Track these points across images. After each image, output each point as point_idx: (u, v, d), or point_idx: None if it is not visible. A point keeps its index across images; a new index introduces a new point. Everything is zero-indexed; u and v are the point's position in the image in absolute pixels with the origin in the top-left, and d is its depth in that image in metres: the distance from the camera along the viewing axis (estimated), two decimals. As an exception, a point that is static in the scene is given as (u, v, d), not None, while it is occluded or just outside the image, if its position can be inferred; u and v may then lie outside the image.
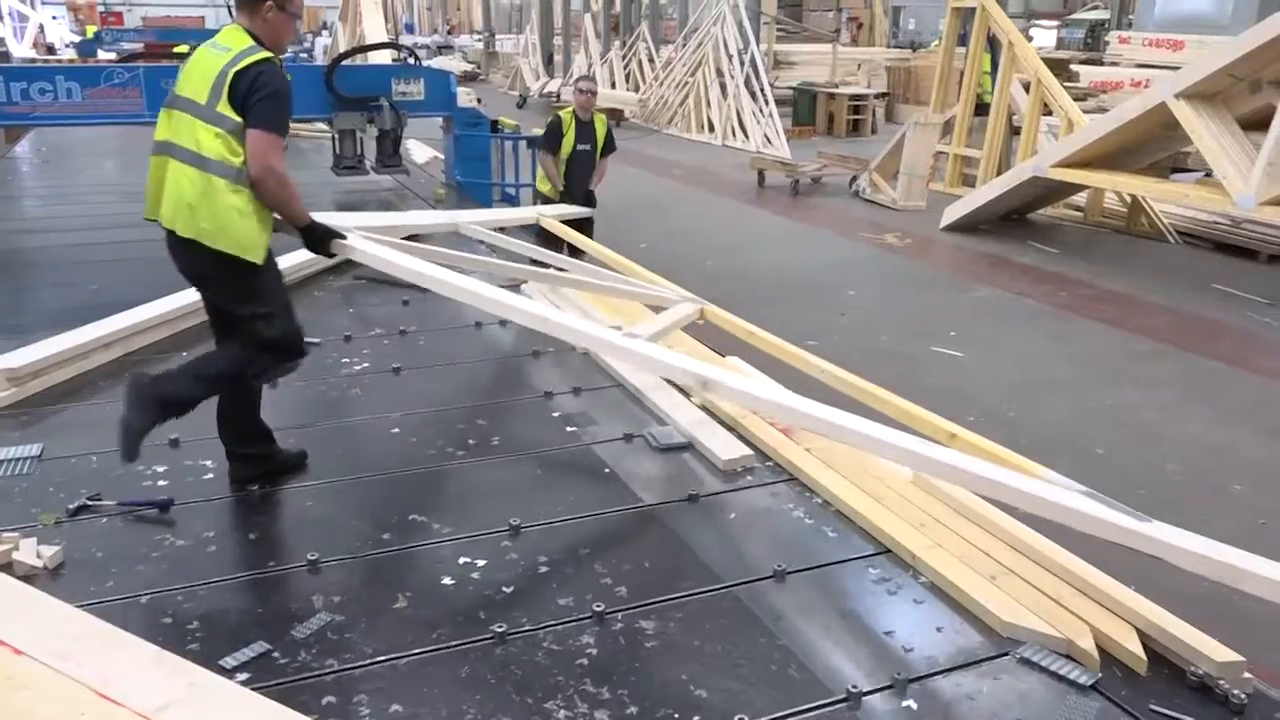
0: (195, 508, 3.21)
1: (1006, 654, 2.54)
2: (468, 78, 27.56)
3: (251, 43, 3.18)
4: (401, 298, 5.58)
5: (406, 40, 29.23)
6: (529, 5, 30.79)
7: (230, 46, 3.17)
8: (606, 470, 3.60)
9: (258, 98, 3.08)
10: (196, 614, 2.63)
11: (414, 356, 4.70)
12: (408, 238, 5.14)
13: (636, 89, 21.62)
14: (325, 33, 31.85)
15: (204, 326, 5.12)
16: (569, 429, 3.94)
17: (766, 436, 3.75)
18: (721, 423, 3.93)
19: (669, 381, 4.36)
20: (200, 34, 32.77)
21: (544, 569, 2.90)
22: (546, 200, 7.48)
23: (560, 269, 5.27)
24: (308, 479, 3.44)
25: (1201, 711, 2.34)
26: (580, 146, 7.38)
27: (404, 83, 8.11)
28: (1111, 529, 2.54)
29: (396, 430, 3.86)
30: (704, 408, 4.08)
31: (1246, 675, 2.45)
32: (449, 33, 41.60)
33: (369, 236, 4.13)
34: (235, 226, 3.13)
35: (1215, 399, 6.21)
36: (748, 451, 3.66)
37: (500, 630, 2.56)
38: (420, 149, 12.70)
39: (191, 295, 5.18)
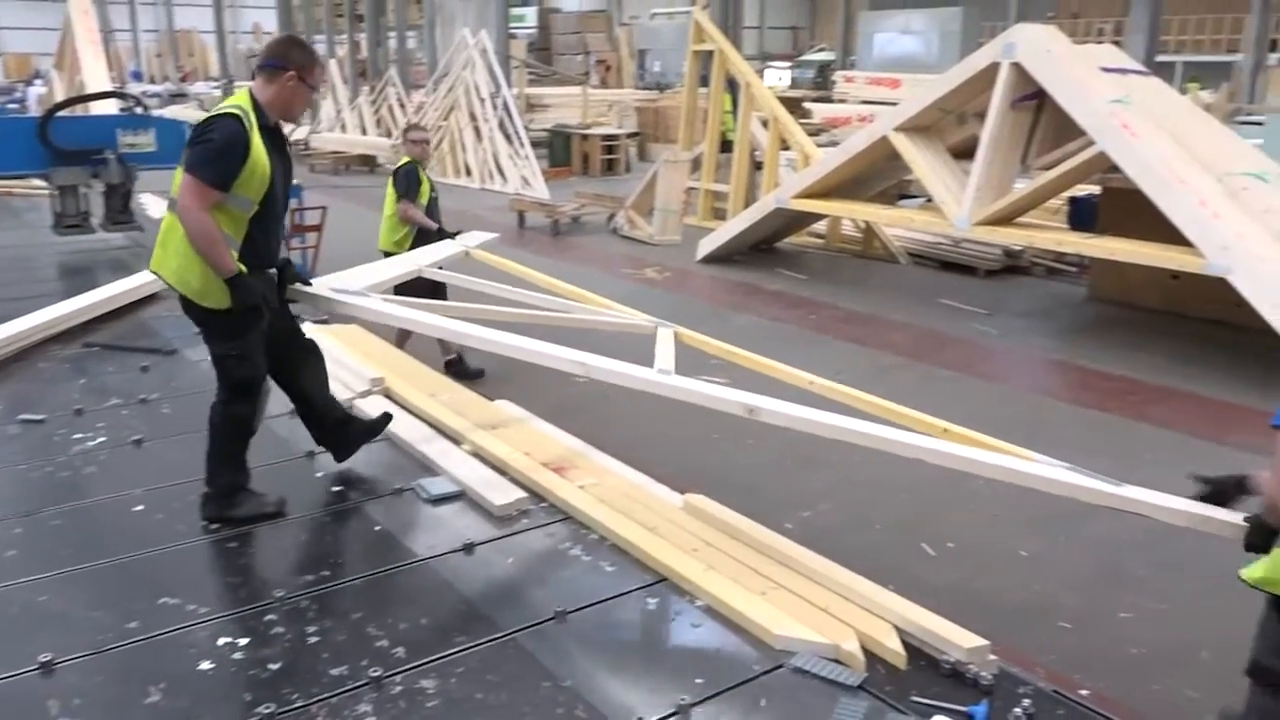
0: (-102, 618, 2.83)
1: (781, 666, 2.64)
2: (207, 127, 26.12)
3: (239, 103, 3.33)
4: (140, 363, 5.19)
5: (134, 88, 27.44)
6: (270, 51, 29.67)
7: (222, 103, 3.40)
8: (378, 528, 3.48)
9: (193, 143, 3.26)
10: (-96, 741, 2.31)
11: (158, 426, 4.37)
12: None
13: (389, 134, 21.24)
14: (39, 82, 29.39)
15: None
16: (334, 489, 3.78)
17: (540, 478, 3.74)
18: (494, 468, 3.89)
19: (438, 430, 4.29)
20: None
21: (314, 639, 2.75)
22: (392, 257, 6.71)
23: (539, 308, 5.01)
24: (36, 571, 3.11)
25: (955, 695, 2.52)
26: (432, 194, 6.96)
27: (131, 134, 7.61)
28: (1095, 494, 2.94)
29: (141, 508, 3.56)
30: (476, 454, 4.03)
31: (992, 657, 2.66)
32: (182, 80, 39.38)
33: (387, 297, 4.27)
34: (184, 268, 3.28)
35: (951, 404, 6.71)
36: (522, 494, 3.64)
37: (268, 711, 2.40)
38: (158, 204, 11.91)
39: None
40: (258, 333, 3.43)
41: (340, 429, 3.92)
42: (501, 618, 2.87)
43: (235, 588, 3.09)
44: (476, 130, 18.18)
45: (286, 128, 3.78)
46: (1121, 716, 2.61)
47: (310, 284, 3.90)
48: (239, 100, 3.34)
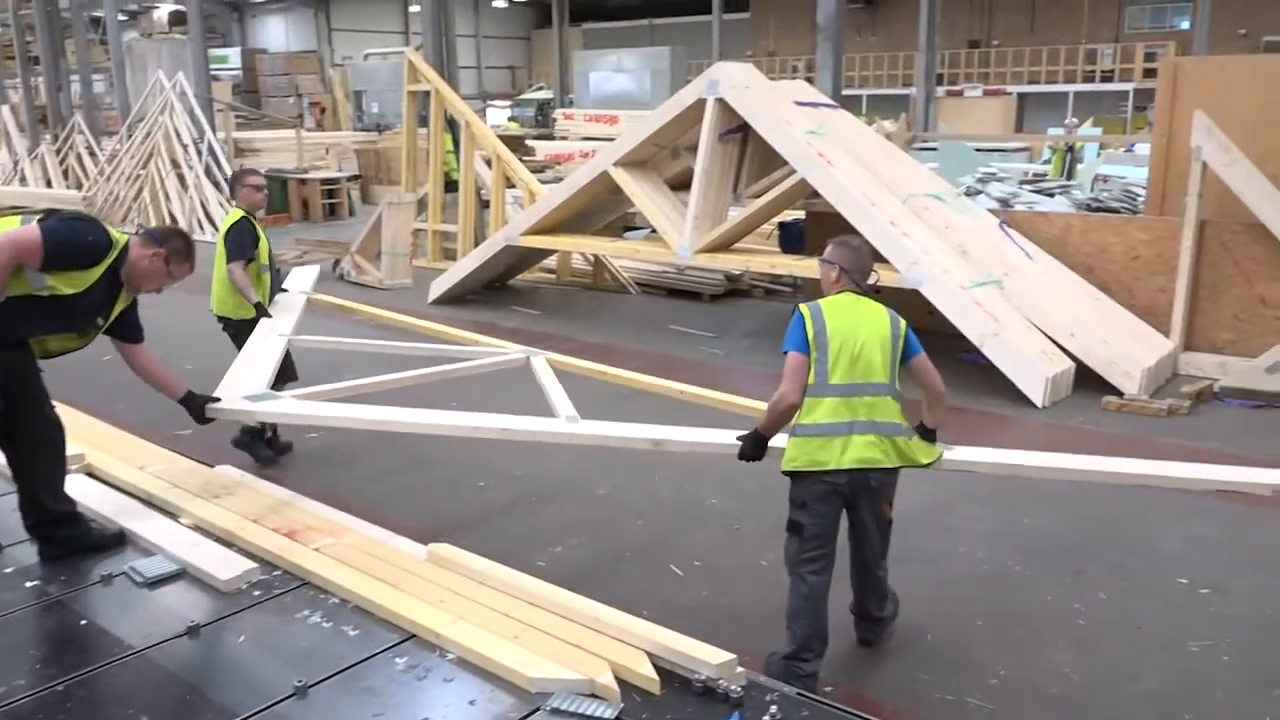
0: None
1: (538, 709, 2.59)
2: None
3: (121, 238, 3.58)
4: None
5: None
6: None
7: None
8: (84, 623, 3.12)
9: (66, 219, 3.55)
10: None
11: None
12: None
13: (79, 186, 19.51)
14: None
15: None
16: (28, 584, 3.36)
17: (269, 544, 3.51)
18: (218, 539, 3.61)
19: (151, 505, 3.93)
20: None
21: (9, 761, 2.42)
22: (237, 323, 6.06)
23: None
24: None
25: (707, 712, 2.57)
26: (272, 249, 6.34)
27: None
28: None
29: None
30: (197, 528, 3.72)
31: (740, 669, 2.74)
32: None
33: (300, 394, 4.72)
34: None
35: (686, 425, 6.98)
36: (251, 565, 3.39)
37: None
38: None
39: None
40: None
41: (50, 525, 3.58)
42: (235, 702, 2.65)
43: (-94, 714, 2.67)
44: (181, 178, 17.07)
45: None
46: (861, 709, 2.76)
47: (219, 399, 4.22)
48: (121, 235, 3.61)
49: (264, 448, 6.11)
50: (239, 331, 5.93)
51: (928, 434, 3.89)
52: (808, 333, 3.72)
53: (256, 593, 3.28)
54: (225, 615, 3.14)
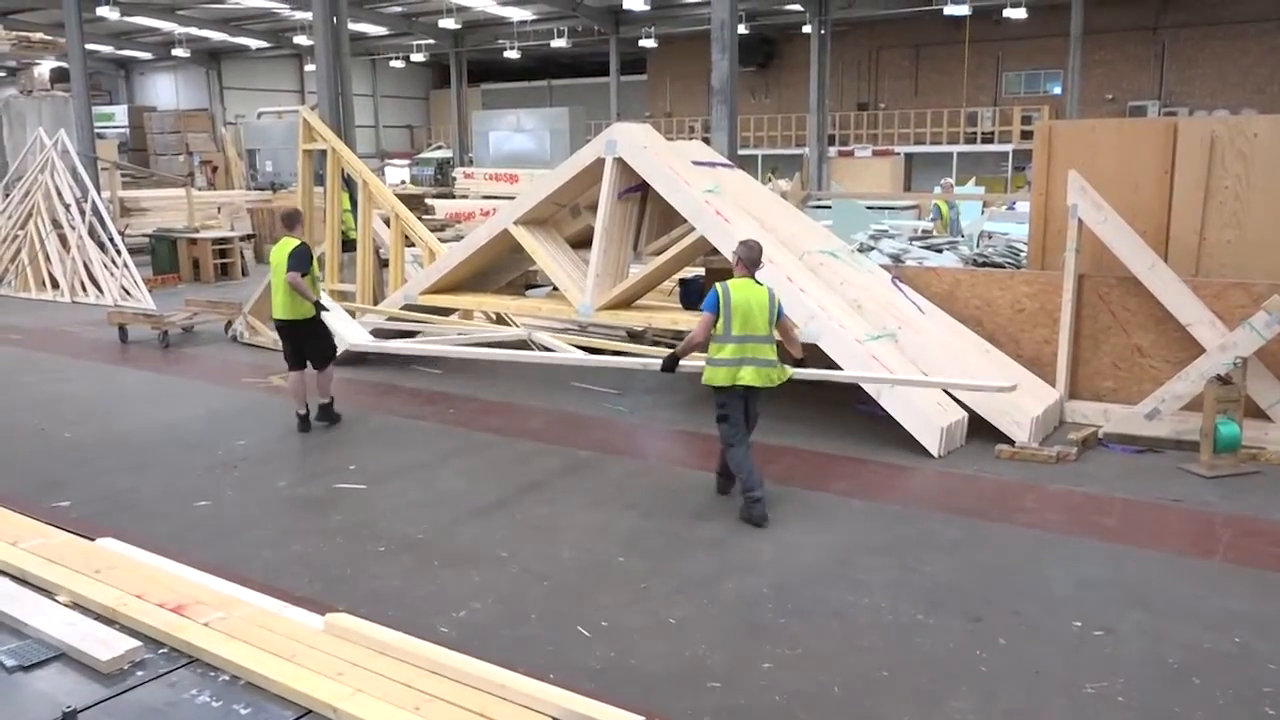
0: None
1: (442, 784, 2.50)
2: None
3: None
4: None
5: None
6: None
7: None
8: (-54, 714, 2.91)
9: None
10: None
11: None
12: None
13: (-47, 246, 18.62)
14: None
15: None
16: (-116, 674, 3.12)
17: (155, 621, 3.33)
18: (99, 618, 3.41)
19: (25, 583, 3.70)
20: None
21: None
22: (302, 323, 8.18)
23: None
24: None
25: (618, 779, 2.52)
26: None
27: None
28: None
29: None
30: (75, 605, 3.51)
31: (649, 731, 2.71)
32: None
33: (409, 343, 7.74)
34: None
35: (590, 484, 6.95)
36: (135, 644, 3.20)
37: None
38: None
39: None
40: None
41: None
42: (115, 793, 2.49)
43: None
44: (62, 238, 16.45)
45: None
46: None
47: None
48: None
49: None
50: (296, 332, 8.22)
51: (794, 362, 6.51)
52: (719, 301, 6.00)
53: (140, 673, 3.10)
54: (105, 699, 2.95)
